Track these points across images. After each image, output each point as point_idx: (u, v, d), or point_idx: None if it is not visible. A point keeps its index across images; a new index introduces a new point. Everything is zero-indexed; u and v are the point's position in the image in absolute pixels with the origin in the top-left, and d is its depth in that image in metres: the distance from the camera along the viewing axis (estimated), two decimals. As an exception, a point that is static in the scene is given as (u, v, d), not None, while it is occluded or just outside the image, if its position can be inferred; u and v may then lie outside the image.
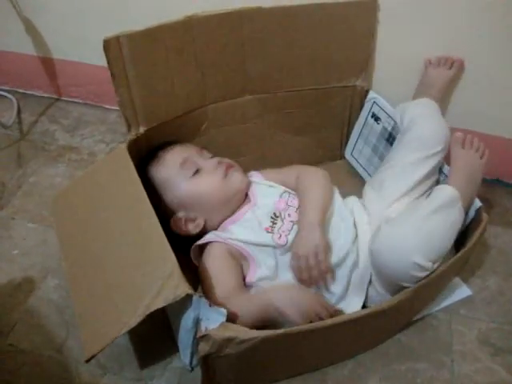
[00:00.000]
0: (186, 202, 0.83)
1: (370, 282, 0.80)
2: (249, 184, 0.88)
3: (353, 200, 0.88)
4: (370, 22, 0.92)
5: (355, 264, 0.79)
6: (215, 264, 0.79)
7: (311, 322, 0.68)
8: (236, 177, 0.85)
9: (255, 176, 0.92)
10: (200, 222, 0.84)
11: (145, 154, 0.88)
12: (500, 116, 0.98)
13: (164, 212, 0.81)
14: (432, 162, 0.83)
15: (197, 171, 0.84)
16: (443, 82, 0.93)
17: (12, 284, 0.89)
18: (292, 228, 0.81)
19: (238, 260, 0.81)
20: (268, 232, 0.81)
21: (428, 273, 0.71)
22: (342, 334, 0.73)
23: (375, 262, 0.76)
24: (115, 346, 0.80)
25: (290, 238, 0.79)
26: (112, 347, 0.78)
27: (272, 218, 0.83)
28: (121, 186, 0.78)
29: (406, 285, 0.71)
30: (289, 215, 0.83)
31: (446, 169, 0.85)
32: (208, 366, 0.67)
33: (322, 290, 0.79)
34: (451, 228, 0.75)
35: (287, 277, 0.79)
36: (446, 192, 0.77)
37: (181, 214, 0.83)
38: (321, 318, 0.69)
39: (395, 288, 0.74)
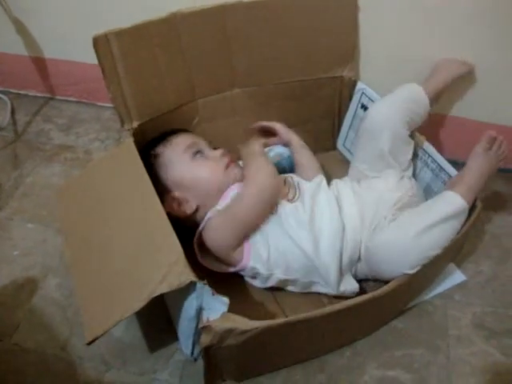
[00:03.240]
0: (183, 184, 0.85)
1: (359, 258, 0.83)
2: None
3: (341, 183, 0.90)
4: (351, 11, 0.92)
5: (345, 248, 0.81)
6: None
7: None
8: (236, 171, 0.87)
9: None
10: (192, 206, 0.85)
11: (147, 143, 0.89)
12: (493, 103, 0.99)
13: (160, 192, 0.82)
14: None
15: (200, 154, 0.87)
16: (451, 72, 0.93)
17: (14, 284, 0.90)
18: (281, 203, 0.83)
19: None
20: None
21: None
22: (340, 320, 0.74)
23: (368, 258, 0.79)
24: (118, 341, 0.82)
25: (281, 211, 0.82)
26: (115, 343, 0.81)
27: None
28: (126, 177, 0.80)
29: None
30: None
31: (449, 169, 0.86)
32: (210, 357, 0.68)
33: (319, 280, 0.81)
34: (450, 236, 0.76)
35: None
36: (456, 203, 0.77)
37: (175, 194, 0.85)
38: None
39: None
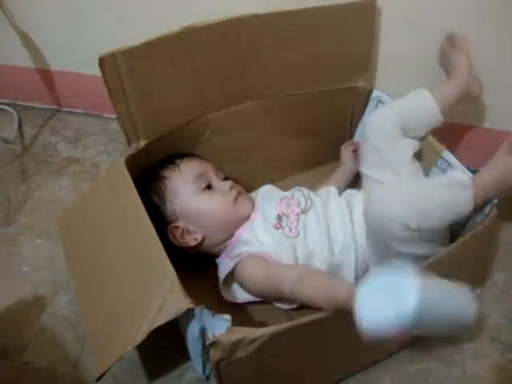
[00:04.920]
0: (189, 214, 0.83)
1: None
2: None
3: (351, 193, 0.91)
4: (368, 22, 0.91)
5: (357, 255, 0.81)
6: (268, 270, 0.78)
7: None
8: (245, 205, 0.87)
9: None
10: (197, 237, 0.84)
11: (153, 164, 0.88)
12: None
13: (164, 218, 0.83)
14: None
15: (209, 187, 0.85)
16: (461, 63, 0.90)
17: (24, 302, 0.90)
18: (298, 219, 0.83)
19: None
20: (277, 228, 0.83)
21: (411, 235, 0.71)
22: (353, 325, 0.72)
23: (367, 218, 0.78)
24: (129, 360, 0.81)
25: (300, 227, 0.82)
26: (126, 361, 0.80)
27: (277, 217, 0.85)
28: (120, 203, 0.78)
29: (394, 246, 0.73)
30: (292, 211, 0.85)
31: (460, 168, 0.84)
32: (221, 374, 0.67)
33: None
34: (449, 207, 0.74)
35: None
36: (457, 176, 0.78)
37: (181, 224, 0.84)
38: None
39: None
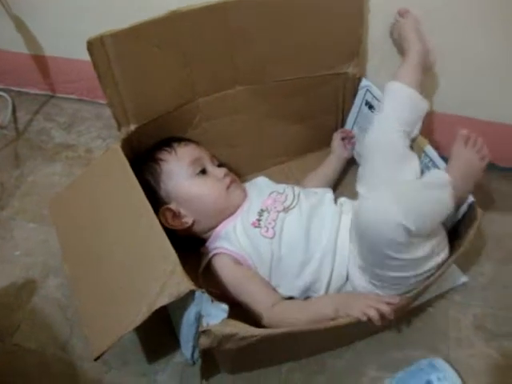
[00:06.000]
0: (182, 198, 0.84)
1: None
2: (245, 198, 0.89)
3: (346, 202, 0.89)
4: (358, 8, 0.90)
5: (333, 263, 0.80)
6: (237, 275, 0.80)
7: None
8: (237, 194, 0.88)
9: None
10: (188, 221, 0.85)
11: (150, 147, 0.89)
12: (495, 101, 0.98)
13: (156, 200, 0.83)
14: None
15: (203, 172, 0.86)
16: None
17: (15, 285, 0.91)
18: (277, 217, 0.82)
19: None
20: (255, 227, 0.82)
21: (410, 240, 0.66)
22: (342, 330, 0.73)
23: (358, 228, 0.72)
24: (119, 342, 0.81)
25: (277, 228, 0.81)
26: (115, 344, 0.81)
27: (259, 212, 0.84)
28: (117, 187, 0.78)
29: (389, 253, 0.67)
30: (275, 207, 0.84)
31: (441, 165, 0.83)
32: (208, 358, 0.69)
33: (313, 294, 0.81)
34: (439, 205, 0.72)
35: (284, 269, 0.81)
36: (436, 173, 0.78)
37: (172, 206, 0.84)
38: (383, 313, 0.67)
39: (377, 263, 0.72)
